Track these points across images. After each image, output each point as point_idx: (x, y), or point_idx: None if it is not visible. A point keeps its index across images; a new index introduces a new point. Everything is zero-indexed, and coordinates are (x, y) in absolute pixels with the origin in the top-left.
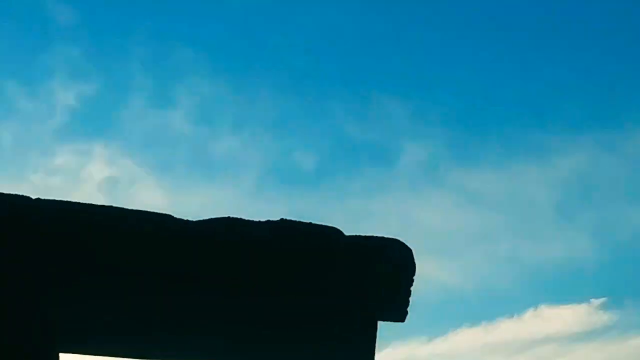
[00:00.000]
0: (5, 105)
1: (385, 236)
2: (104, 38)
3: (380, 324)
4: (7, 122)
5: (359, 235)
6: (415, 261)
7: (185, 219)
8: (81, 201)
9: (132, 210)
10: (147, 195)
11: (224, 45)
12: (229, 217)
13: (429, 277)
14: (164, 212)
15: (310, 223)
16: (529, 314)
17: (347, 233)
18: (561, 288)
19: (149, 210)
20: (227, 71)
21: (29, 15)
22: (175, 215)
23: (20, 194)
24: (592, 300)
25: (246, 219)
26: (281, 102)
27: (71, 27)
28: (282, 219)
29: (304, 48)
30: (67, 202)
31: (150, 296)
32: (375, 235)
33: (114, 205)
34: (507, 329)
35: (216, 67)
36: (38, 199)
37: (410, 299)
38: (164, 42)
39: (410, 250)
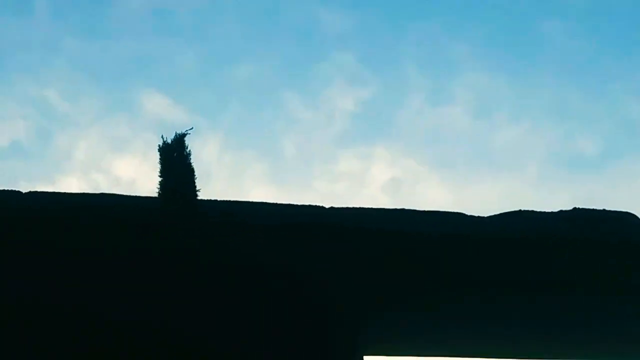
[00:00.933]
0: (287, 116)
1: None
2: (377, 41)
3: None
4: (289, 133)
5: None
6: None
7: (477, 215)
8: (370, 206)
9: (423, 212)
10: (432, 194)
11: (497, 36)
12: (520, 210)
13: None
14: (451, 210)
15: (604, 210)
16: None
17: None
18: None
19: (438, 210)
20: (503, 61)
21: (303, 26)
22: (467, 213)
23: (313, 203)
24: None
25: (538, 210)
26: (559, 87)
27: (344, 34)
28: (575, 208)
29: (575, 30)
30: (359, 208)
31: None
32: None
33: (405, 207)
34: None
35: (491, 58)
36: (332, 208)
37: None
38: (438, 39)
39: None
